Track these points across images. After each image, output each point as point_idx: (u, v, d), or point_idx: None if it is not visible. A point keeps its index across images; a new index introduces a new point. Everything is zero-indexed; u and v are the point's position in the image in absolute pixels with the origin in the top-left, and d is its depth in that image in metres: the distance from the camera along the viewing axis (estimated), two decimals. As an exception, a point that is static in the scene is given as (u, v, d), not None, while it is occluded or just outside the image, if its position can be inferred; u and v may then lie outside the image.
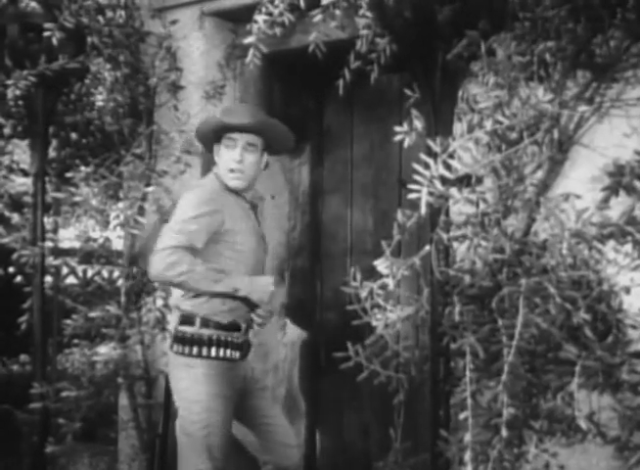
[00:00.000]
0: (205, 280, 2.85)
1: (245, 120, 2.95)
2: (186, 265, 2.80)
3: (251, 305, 2.97)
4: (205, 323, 2.96)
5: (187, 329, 2.97)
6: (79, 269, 5.69)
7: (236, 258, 2.98)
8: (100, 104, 3.83)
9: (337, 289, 3.66)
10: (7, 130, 3.92)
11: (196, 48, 3.66)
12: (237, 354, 2.98)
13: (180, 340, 2.98)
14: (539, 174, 2.52)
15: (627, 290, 2.21)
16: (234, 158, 2.99)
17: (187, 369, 2.98)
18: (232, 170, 2.99)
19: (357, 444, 3.72)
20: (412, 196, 2.19)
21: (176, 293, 3.05)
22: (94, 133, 3.92)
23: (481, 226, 2.32)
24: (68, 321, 3.55)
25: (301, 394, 3.78)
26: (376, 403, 3.61)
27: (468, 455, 2.12)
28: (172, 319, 3.08)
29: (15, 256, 3.60)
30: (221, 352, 2.95)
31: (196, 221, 2.86)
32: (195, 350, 2.95)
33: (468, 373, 2.18)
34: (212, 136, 3.04)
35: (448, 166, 2.20)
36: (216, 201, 2.94)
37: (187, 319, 2.98)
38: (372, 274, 2.46)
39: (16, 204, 5.46)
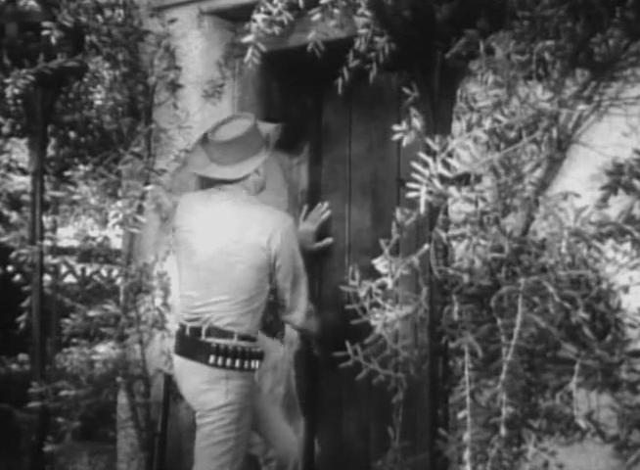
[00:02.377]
0: (312, 327, 3.26)
1: None
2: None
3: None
4: (244, 337, 3.00)
5: (227, 342, 2.99)
6: (78, 268, 5.69)
7: None
8: (98, 103, 3.83)
9: (335, 288, 3.67)
10: (5, 129, 3.92)
11: (195, 47, 3.66)
12: (257, 364, 3.06)
13: (221, 352, 2.97)
14: (538, 173, 2.52)
15: (626, 289, 2.21)
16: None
17: (224, 381, 2.98)
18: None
19: (355, 443, 3.71)
20: (411, 195, 2.19)
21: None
22: (93, 132, 3.92)
23: (480, 225, 2.32)
24: (67, 320, 3.54)
25: (298, 393, 3.79)
26: (374, 402, 3.61)
27: (467, 454, 2.12)
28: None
29: (13, 254, 3.60)
30: (252, 364, 3.02)
31: None
32: (237, 363, 2.98)
33: (467, 372, 2.18)
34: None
35: (447, 165, 2.20)
36: None
37: (227, 334, 3.01)
38: (370, 273, 2.47)
39: (14, 202, 5.46)
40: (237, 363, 2.97)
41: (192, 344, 3.05)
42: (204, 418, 3.00)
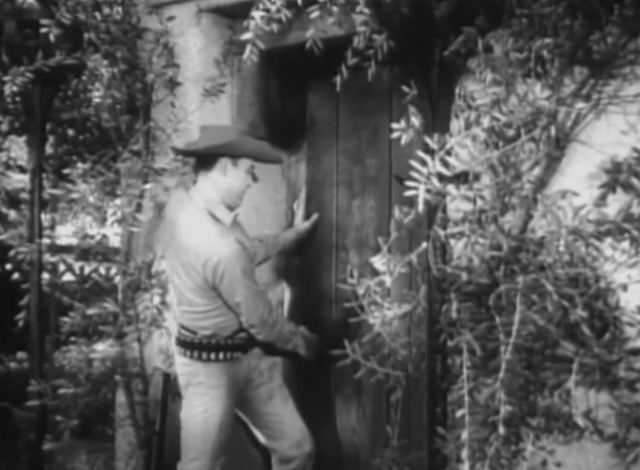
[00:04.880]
0: (283, 341, 3.21)
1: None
2: (285, 327, 3.20)
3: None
4: (209, 336, 3.18)
5: (191, 336, 3.20)
6: (76, 266, 5.69)
7: None
8: (97, 100, 3.81)
9: (325, 286, 3.66)
10: (4, 127, 3.93)
11: (193, 44, 3.66)
12: (222, 355, 3.17)
13: (181, 343, 3.23)
14: (536, 171, 2.52)
15: (624, 287, 2.21)
16: (249, 182, 3.17)
17: (184, 367, 3.23)
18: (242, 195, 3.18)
19: (346, 439, 3.69)
20: (409, 193, 2.19)
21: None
22: (91, 130, 3.92)
23: (479, 223, 2.31)
24: (66, 318, 3.55)
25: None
26: (365, 400, 3.59)
27: (465, 453, 2.12)
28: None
29: (12, 252, 3.61)
30: (215, 355, 3.16)
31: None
32: (195, 353, 3.17)
33: (465, 370, 2.18)
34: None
35: (445, 163, 2.20)
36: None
37: (192, 331, 3.20)
38: (361, 271, 2.48)
39: (13, 200, 5.46)
40: (195, 354, 3.16)
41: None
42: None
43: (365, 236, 3.59)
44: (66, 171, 3.83)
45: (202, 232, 3.06)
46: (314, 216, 3.68)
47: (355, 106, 3.59)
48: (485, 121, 2.26)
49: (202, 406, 3.14)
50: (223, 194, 3.10)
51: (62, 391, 3.48)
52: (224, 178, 3.08)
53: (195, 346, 3.16)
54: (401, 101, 2.60)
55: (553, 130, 2.43)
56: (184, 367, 3.22)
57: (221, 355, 3.14)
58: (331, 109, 3.70)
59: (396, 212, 2.38)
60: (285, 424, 3.31)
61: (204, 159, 3.08)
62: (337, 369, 2.47)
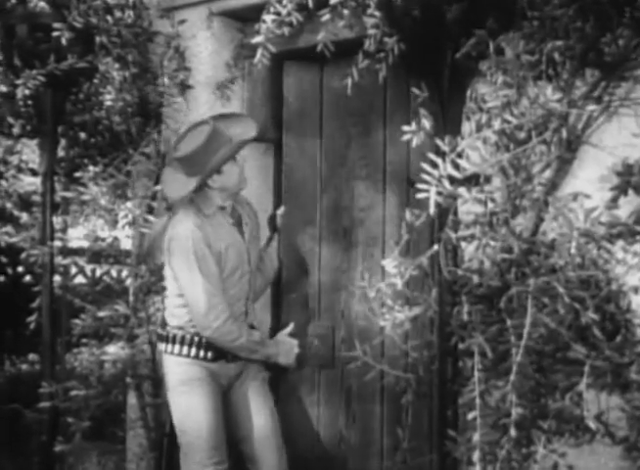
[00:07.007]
0: (245, 351, 3.16)
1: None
2: (244, 338, 3.11)
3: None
4: (178, 327, 3.24)
5: (167, 328, 3.28)
6: (88, 269, 5.71)
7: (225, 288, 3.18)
8: (108, 103, 3.81)
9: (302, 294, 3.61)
10: (16, 130, 3.93)
11: (204, 48, 3.66)
12: (213, 357, 3.18)
13: (157, 335, 3.36)
14: (548, 174, 2.52)
15: (636, 290, 2.20)
16: (240, 172, 3.22)
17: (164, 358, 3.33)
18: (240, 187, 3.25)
19: (330, 445, 3.61)
20: (420, 195, 2.19)
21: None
22: (102, 132, 3.93)
23: (490, 226, 2.31)
24: (77, 321, 3.56)
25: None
26: (350, 403, 3.53)
27: (476, 455, 2.12)
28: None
29: (24, 255, 3.62)
30: (179, 349, 3.20)
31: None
32: (163, 346, 3.26)
33: (476, 373, 2.18)
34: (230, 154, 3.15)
35: (457, 166, 2.20)
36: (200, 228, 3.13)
37: (164, 323, 3.31)
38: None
39: (25, 203, 5.49)
40: (163, 346, 3.25)
41: None
42: None
43: (356, 238, 3.50)
44: (77, 174, 3.85)
45: (173, 217, 3.24)
46: (281, 208, 3.61)
47: (343, 103, 3.51)
48: (496, 124, 2.26)
49: (184, 403, 3.16)
50: (231, 185, 3.23)
51: (73, 393, 3.48)
52: (221, 176, 3.18)
53: (163, 338, 3.24)
54: (396, 98, 2.58)
55: (564, 133, 2.43)
56: (165, 366, 3.26)
57: (185, 350, 3.17)
58: (315, 104, 3.65)
59: (407, 215, 2.38)
60: (264, 445, 3.21)
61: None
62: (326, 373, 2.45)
